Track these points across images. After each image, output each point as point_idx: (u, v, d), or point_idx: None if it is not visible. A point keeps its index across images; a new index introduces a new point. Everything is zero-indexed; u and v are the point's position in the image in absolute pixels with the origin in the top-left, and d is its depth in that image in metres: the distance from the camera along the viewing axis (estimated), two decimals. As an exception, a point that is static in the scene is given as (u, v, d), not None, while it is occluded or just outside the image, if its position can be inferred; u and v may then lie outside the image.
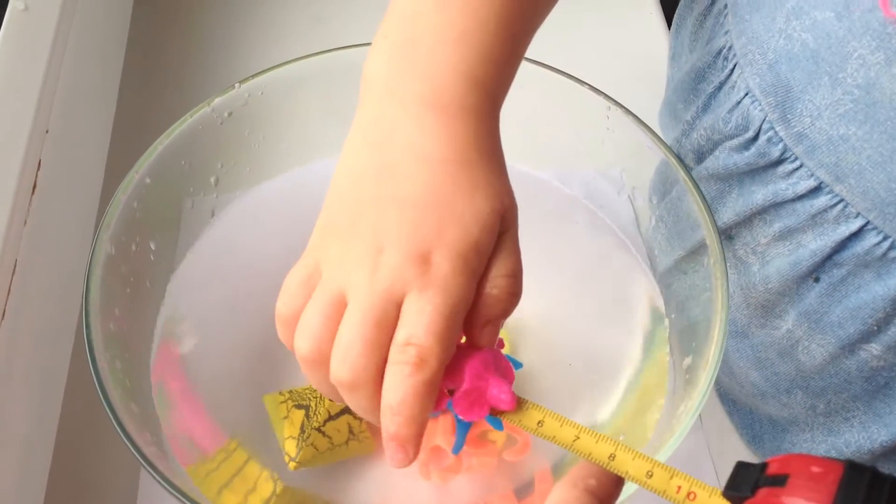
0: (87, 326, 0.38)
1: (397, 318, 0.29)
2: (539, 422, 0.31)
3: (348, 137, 0.33)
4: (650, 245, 0.48)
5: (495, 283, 0.30)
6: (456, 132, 0.31)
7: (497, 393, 0.31)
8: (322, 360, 0.30)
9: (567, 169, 0.52)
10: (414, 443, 0.29)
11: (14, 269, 0.43)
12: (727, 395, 0.52)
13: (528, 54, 0.53)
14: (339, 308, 0.30)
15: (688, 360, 0.40)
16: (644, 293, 0.47)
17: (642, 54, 0.71)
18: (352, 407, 0.31)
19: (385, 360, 0.29)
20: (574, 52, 0.71)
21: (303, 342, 0.30)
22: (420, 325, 0.28)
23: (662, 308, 0.46)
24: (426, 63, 0.32)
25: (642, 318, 0.46)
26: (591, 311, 0.47)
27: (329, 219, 0.32)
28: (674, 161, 0.43)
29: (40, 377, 0.48)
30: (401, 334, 0.29)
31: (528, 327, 0.47)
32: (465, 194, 0.30)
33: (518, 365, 0.44)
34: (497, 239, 0.31)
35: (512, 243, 0.32)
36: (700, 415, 0.53)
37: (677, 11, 0.51)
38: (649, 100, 0.61)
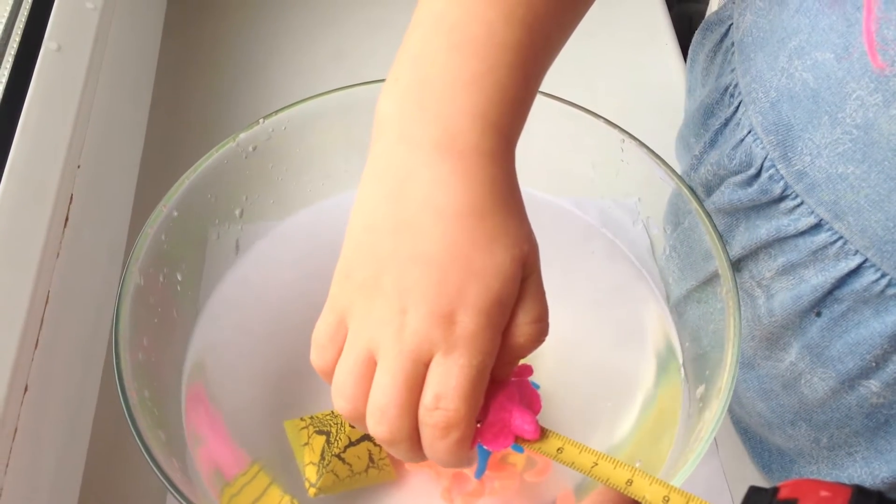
0: (117, 357, 0.39)
1: (420, 368, 0.30)
2: (559, 448, 0.32)
3: (362, 181, 0.33)
4: (664, 274, 0.49)
5: (522, 332, 0.31)
6: (471, 181, 0.30)
7: (521, 423, 0.32)
8: (360, 417, 0.31)
9: (583, 196, 0.53)
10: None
11: (47, 301, 0.44)
12: (740, 422, 0.52)
13: (545, 85, 0.55)
14: (369, 367, 0.31)
15: (701, 389, 0.41)
16: (658, 321, 0.47)
17: (657, 84, 0.72)
18: (396, 455, 0.32)
19: (412, 403, 0.30)
20: (591, 81, 0.73)
21: (340, 402, 0.31)
22: (447, 387, 0.29)
23: (676, 336, 0.46)
24: (439, 106, 0.31)
25: (656, 345, 0.47)
26: (606, 336, 0.48)
27: (349, 269, 0.32)
28: (686, 192, 0.44)
29: (71, 405, 0.50)
30: (428, 396, 0.30)
31: (545, 350, 0.47)
32: (484, 248, 0.30)
33: (535, 387, 0.45)
34: (531, 279, 0.31)
35: (536, 287, 0.31)
36: (716, 441, 0.53)
37: (691, 46, 0.52)
38: (665, 130, 0.62)
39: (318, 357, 0.33)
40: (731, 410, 0.52)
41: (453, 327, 0.29)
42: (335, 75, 0.73)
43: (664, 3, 0.78)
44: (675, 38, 0.76)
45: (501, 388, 0.32)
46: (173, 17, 0.76)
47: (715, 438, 0.53)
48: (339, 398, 0.31)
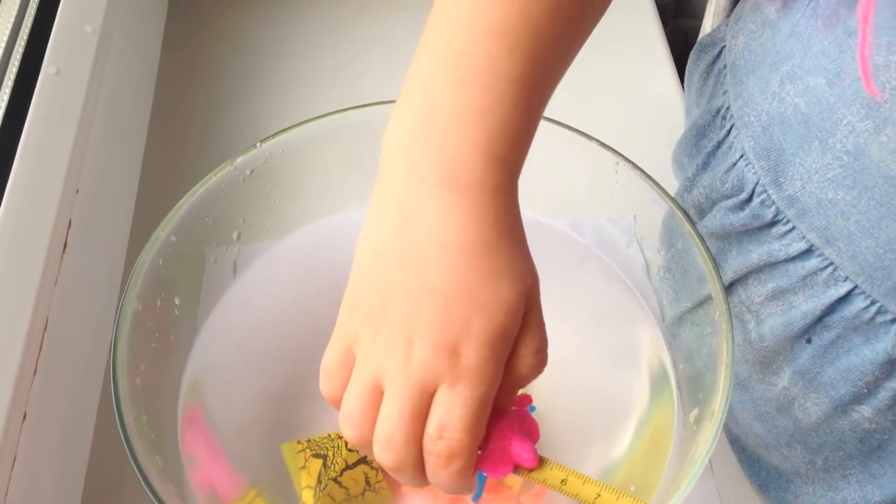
0: (115, 383, 0.39)
1: (425, 398, 0.31)
2: (563, 480, 0.33)
3: (368, 213, 0.33)
4: (659, 295, 0.49)
5: (524, 363, 0.32)
6: (476, 215, 0.31)
7: (520, 452, 0.33)
8: (367, 444, 0.32)
9: (579, 217, 0.53)
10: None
11: (46, 327, 0.44)
12: (737, 441, 0.52)
13: (549, 104, 0.55)
14: (376, 396, 0.32)
15: (695, 412, 0.41)
16: (652, 343, 0.48)
17: (653, 101, 0.73)
18: (400, 481, 0.33)
19: (417, 431, 0.31)
20: (586, 98, 0.73)
21: (347, 429, 0.32)
22: (451, 418, 0.30)
23: (669, 358, 0.46)
24: (444, 140, 0.32)
25: (650, 367, 0.47)
26: (601, 358, 0.48)
27: (356, 298, 0.33)
28: (679, 214, 0.44)
29: (69, 431, 0.50)
30: (432, 426, 0.31)
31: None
32: (489, 283, 0.30)
33: (531, 409, 0.45)
34: (533, 311, 0.32)
35: (537, 319, 0.32)
36: (711, 462, 0.53)
37: (688, 66, 0.53)
38: (660, 147, 0.63)
39: (326, 385, 0.34)
40: (728, 430, 0.53)
41: (458, 359, 0.30)
42: (333, 91, 0.74)
43: (658, 19, 0.79)
44: (670, 54, 0.76)
45: (502, 417, 0.33)
46: (171, 35, 0.76)
47: (710, 459, 0.54)
48: (347, 426, 0.32)
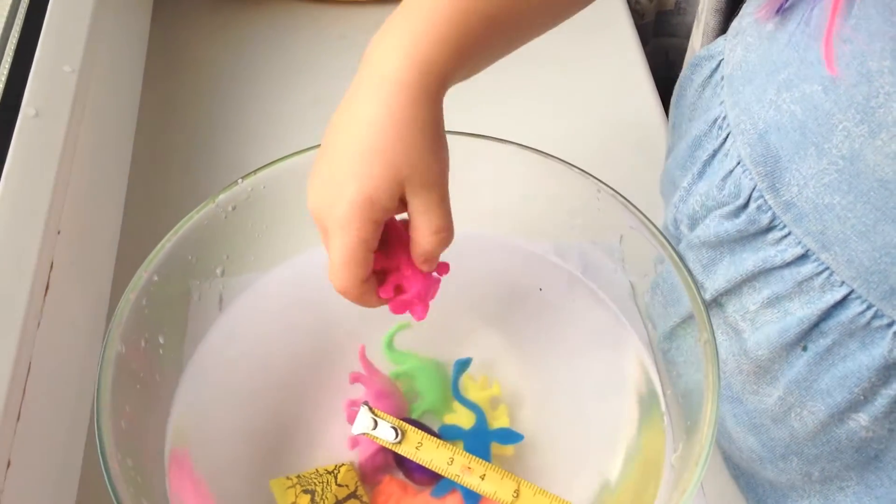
0: (99, 427, 0.39)
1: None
2: (515, 491, 0.38)
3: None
4: (649, 311, 0.49)
5: (424, 239, 0.39)
6: (381, 102, 0.38)
7: (410, 298, 0.42)
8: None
9: (563, 241, 0.54)
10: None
11: (28, 371, 0.44)
12: (730, 458, 0.52)
13: (521, 128, 0.55)
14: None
15: (683, 437, 0.41)
16: (640, 367, 0.48)
17: (633, 121, 0.73)
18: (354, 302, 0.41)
19: (357, 272, 0.39)
20: (566, 118, 0.73)
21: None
22: (332, 260, 0.39)
23: (657, 380, 0.46)
24: (383, 43, 0.39)
25: (639, 392, 0.47)
26: (589, 384, 0.48)
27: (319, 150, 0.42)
28: (661, 239, 0.45)
29: (54, 476, 0.49)
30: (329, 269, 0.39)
31: (528, 399, 0.48)
32: (366, 158, 0.38)
33: (519, 437, 0.45)
34: (419, 198, 0.39)
35: (434, 204, 0.39)
36: (702, 484, 0.53)
37: (678, 82, 0.53)
38: (641, 166, 0.63)
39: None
40: (720, 446, 0.52)
41: (332, 212, 0.38)
42: (315, 122, 0.73)
43: (637, 40, 0.79)
44: (650, 74, 0.77)
45: (419, 277, 0.41)
46: (152, 71, 0.76)
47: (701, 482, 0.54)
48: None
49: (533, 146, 0.49)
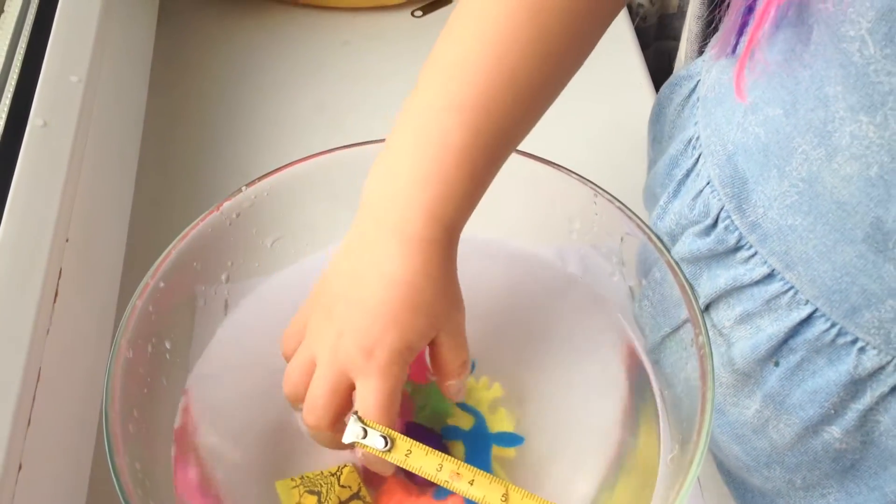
0: (107, 431, 0.40)
1: (347, 386, 0.40)
2: (503, 495, 0.40)
3: (344, 238, 0.43)
4: (640, 322, 0.50)
5: (457, 373, 0.43)
6: (411, 260, 0.40)
7: None
8: (297, 400, 0.43)
9: (563, 245, 0.54)
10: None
11: (38, 377, 0.45)
12: (721, 465, 0.53)
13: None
14: (311, 367, 0.41)
15: (678, 439, 0.42)
16: (638, 371, 0.48)
17: (633, 126, 0.73)
18: (315, 438, 0.44)
19: (338, 414, 0.41)
20: (566, 123, 0.74)
21: (287, 385, 0.43)
22: (367, 404, 0.40)
23: (656, 386, 0.47)
24: (397, 198, 0.40)
25: (635, 392, 0.48)
26: (587, 388, 0.49)
27: (317, 296, 0.43)
28: (657, 244, 0.45)
29: (64, 480, 0.50)
30: (358, 409, 0.40)
31: (528, 401, 0.49)
32: (408, 310, 0.40)
33: (520, 440, 0.46)
34: (443, 338, 0.41)
35: (457, 343, 0.42)
36: (700, 483, 0.54)
37: (657, 100, 0.54)
38: (641, 171, 0.63)
39: (283, 346, 0.45)
40: (712, 453, 0.53)
41: (372, 358, 0.39)
42: (318, 127, 0.75)
43: (637, 45, 0.80)
44: (650, 78, 0.77)
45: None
46: (157, 78, 0.77)
47: (699, 480, 0.54)
48: (287, 382, 0.43)
49: (531, 150, 0.49)
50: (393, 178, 0.41)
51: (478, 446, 0.46)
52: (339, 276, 0.42)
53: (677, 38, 0.92)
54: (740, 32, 0.38)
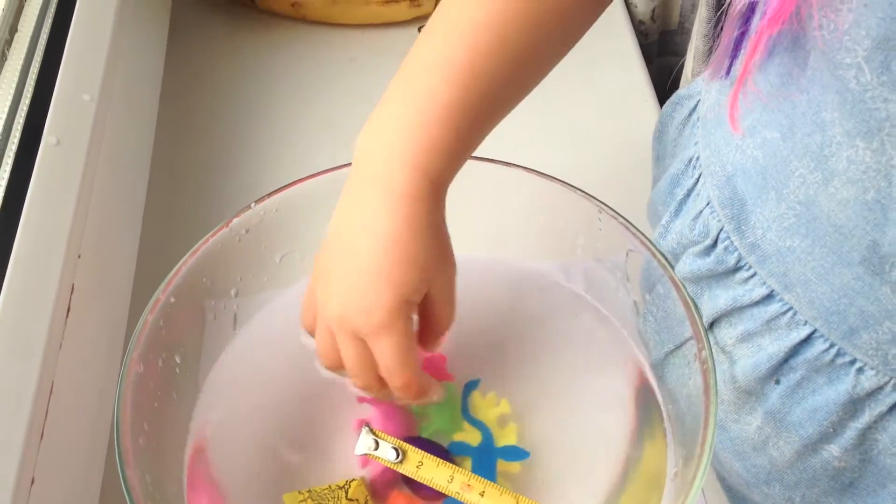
0: (118, 444, 0.40)
1: (359, 342, 0.41)
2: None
3: (339, 199, 0.43)
4: (644, 338, 0.50)
5: (447, 323, 0.43)
6: (397, 214, 0.40)
7: None
8: (339, 367, 0.43)
9: (568, 260, 0.55)
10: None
11: (51, 392, 0.46)
12: (723, 480, 0.53)
13: (526, 150, 0.56)
14: (332, 335, 0.42)
15: (683, 451, 0.42)
16: (643, 385, 0.49)
17: (638, 141, 0.74)
18: (379, 398, 0.45)
19: (371, 364, 0.41)
20: (571, 138, 0.75)
21: (323, 360, 0.44)
22: (388, 363, 0.41)
23: (661, 399, 0.48)
24: (382, 151, 0.41)
25: (641, 406, 0.48)
26: (593, 401, 0.49)
27: (319, 262, 0.44)
28: (660, 260, 0.46)
29: (76, 494, 0.51)
30: (383, 372, 0.41)
31: (535, 415, 0.49)
32: (398, 266, 0.40)
33: (525, 455, 0.46)
34: (435, 291, 0.42)
35: (447, 296, 0.43)
36: (705, 495, 0.54)
37: (660, 117, 0.54)
38: (646, 187, 0.64)
39: (303, 320, 0.46)
40: (714, 468, 0.54)
41: (372, 318, 0.40)
42: (325, 142, 0.75)
43: (642, 60, 0.81)
44: (654, 93, 0.78)
45: None
46: (167, 96, 0.78)
47: (704, 492, 0.55)
48: (321, 357, 0.44)
49: (536, 166, 0.50)
50: (380, 131, 0.41)
51: (483, 460, 0.46)
52: (332, 239, 0.43)
53: (679, 54, 0.92)
54: (733, 55, 0.38)
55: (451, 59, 0.40)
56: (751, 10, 0.35)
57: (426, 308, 0.43)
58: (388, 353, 0.40)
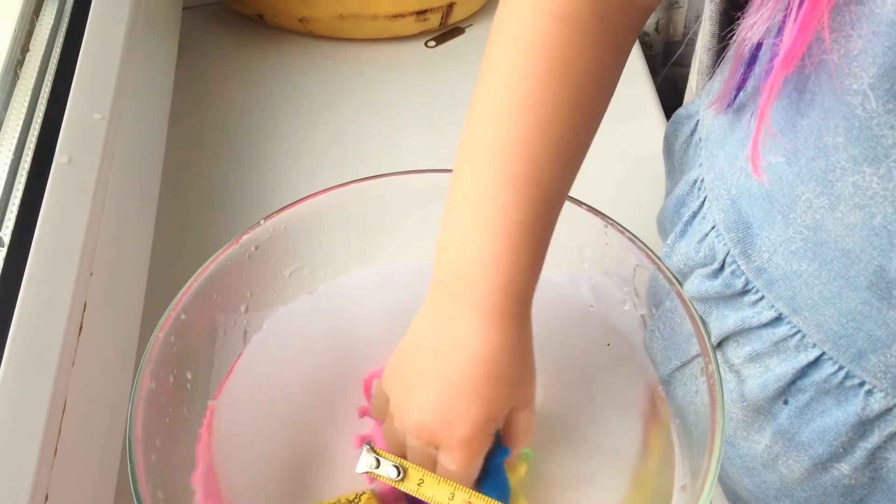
0: (131, 460, 0.41)
1: (432, 448, 0.42)
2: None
3: (418, 314, 0.44)
4: (650, 353, 0.50)
5: (522, 441, 0.44)
6: (492, 334, 0.40)
7: None
8: (397, 454, 0.44)
9: (575, 272, 0.55)
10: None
11: (64, 409, 0.46)
12: (732, 494, 0.53)
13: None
14: (401, 434, 0.43)
15: (691, 465, 0.42)
16: (652, 397, 0.49)
17: (644, 154, 0.74)
18: None
19: (431, 465, 0.43)
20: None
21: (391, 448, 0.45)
22: (453, 474, 0.42)
23: (670, 412, 0.48)
24: (472, 278, 0.41)
25: (649, 419, 0.48)
26: (601, 414, 0.49)
27: (398, 365, 0.44)
28: (668, 275, 0.46)
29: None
30: (441, 474, 0.42)
31: (543, 426, 0.49)
32: (489, 383, 0.40)
33: (526, 452, 0.47)
34: (519, 413, 0.43)
35: (529, 416, 0.43)
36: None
37: (665, 134, 0.55)
38: (653, 199, 0.64)
39: (374, 408, 0.48)
40: (723, 484, 0.54)
41: (454, 431, 0.41)
42: (334, 157, 0.76)
43: (648, 73, 0.81)
44: (660, 106, 0.78)
45: None
46: (177, 114, 0.79)
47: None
48: (390, 446, 0.45)
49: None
50: (462, 257, 0.41)
51: (490, 467, 0.46)
52: (418, 352, 0.43)
53: (684, 65, 0.92)
54: (740, 87, 0.38)
55: (515, 177, 0.40)
56: (757, 46, 0.35)
57: (509, 422, 0.43)
58: (455, 466, 0.41)
